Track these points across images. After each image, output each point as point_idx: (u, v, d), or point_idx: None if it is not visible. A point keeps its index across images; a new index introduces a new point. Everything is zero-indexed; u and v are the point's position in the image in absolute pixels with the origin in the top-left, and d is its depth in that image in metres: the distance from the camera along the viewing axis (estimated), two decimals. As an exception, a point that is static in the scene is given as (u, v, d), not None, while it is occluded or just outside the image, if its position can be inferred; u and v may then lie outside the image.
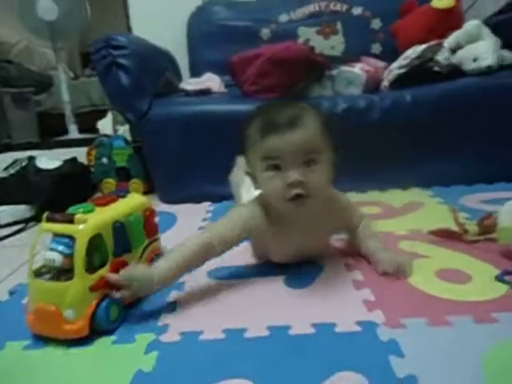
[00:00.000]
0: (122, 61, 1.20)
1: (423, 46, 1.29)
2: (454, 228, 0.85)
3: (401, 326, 0.57)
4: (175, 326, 0.61)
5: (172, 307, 0.67)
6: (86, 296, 0.59)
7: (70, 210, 0.63)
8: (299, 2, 1.74)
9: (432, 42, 1.29)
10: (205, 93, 1.43)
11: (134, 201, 0.72)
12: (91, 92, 2.99)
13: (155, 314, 0.65)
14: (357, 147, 1.19)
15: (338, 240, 0.88)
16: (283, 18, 1.73)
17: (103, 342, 0.59)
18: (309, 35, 1.71)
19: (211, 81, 1.63)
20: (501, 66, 1.22)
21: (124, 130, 1.59)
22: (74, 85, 2.91)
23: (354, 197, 0.82)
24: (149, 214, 0.73)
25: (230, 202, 1.16)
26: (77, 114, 2.63)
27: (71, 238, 0.59)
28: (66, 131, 2.52)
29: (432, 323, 0.57)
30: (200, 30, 1.79)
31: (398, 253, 0.76)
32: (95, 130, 1.99)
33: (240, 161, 1.04)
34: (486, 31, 1.25)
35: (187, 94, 1.37)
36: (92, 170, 1.52)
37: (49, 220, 0.61)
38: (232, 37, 1.73)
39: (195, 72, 1.74)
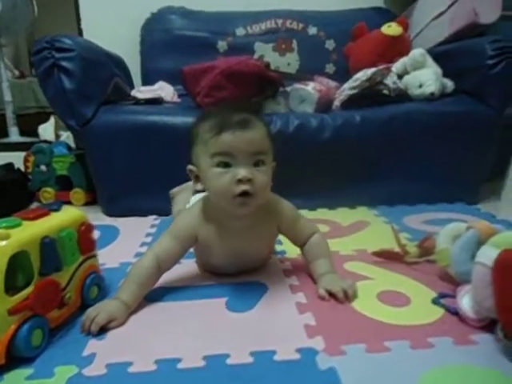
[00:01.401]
0: (66, 64, 1.13)
1: (373, 70, 1.33)
2: (396, 249, 0.87)
3: (340, 352, 0.56)
4: (102, 356, 0.56)
5: (101, 334, 0.62)
6: (2, 320, 0.53)
7: (-8, 225, 0.57)
8: (256, 17, 1.75)
9: (381, 66, 1.33)
10: (156, 101, 1.38)
11: (67, 214, 0.67)
12: (38, 93, 2.82)
13: (81, 341, 0.60)
14: (308, 165, 1.21)
15: (285, 259, 0.87)
16: (240, 31, 1.73)
17: (15, 377, 0.53)
18: (265, 51, 1.72)
19: (164, 90, 1.59)
20: (442, 93, 1.30)
21: (68, 135, 1.50)
22: (19, 84, 2.73)
23: (303, 214, 0.82)
24: (84, 228, 0.67)
25: (177, 216, 1.12)
26: (21, 115, 2.46)
27: (-11, 257, 0.52)
28: (6, 133, 2.35)
29: (371, 349, 0.56)
30: (154, 38, 1.74)
31: (343, 275, 0.76)
32: (37, 135, 1.87)
33: (177, 197, 1.03)
34: (430, 60, 1.32)
35: (137, 101, 1.32)
36: (30, 177, 1.42)
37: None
38: (188, 47, 1.71)
39: (148, 80, 1.69)
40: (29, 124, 2.39)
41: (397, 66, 1.36)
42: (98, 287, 0.71)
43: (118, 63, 1.50)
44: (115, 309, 0.64)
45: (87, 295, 0.68)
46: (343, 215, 1.19)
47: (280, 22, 1.74)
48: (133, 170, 1.20)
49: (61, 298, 0.62)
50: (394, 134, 1.22)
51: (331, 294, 0.70)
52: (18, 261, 0.55)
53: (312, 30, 1.74)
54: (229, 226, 0.72)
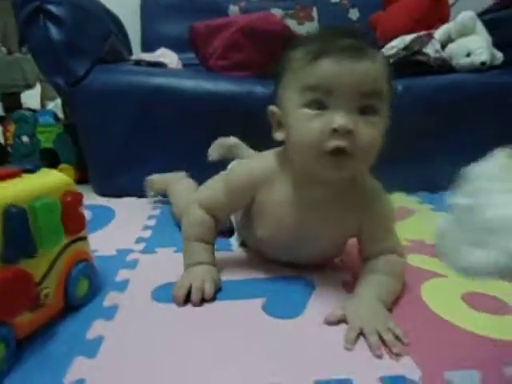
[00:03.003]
0: (53, 9, 0.93)
1: (411, 36, 1.16)
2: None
3: (447, 384, 0.38)
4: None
5: (92, 348, 0.43)
6: None
7: None
8: (274, -21, 1.56)
9: (421, 33, 1.16)
10: (160, 66, 1.19)
11: (46, 178, 0.47)
12: (26, 70, 2.60)
13: (62, 360, 0.41)
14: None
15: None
16: (254, -6, 1.54)
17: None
18: (282, 17, 1.53)
19: (167, 57, 1.39)
20: (490, 64, 1.13)
21: (55, 105, 1.30)
22: (7, 61, 2.52)
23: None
24: (70, 199, 0.48)
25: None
26: (8, 93, 2.25)
27: None
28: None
29: (488, 379, 0.39)
30: (157, 0, 1.55)
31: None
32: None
33: (174, 188, 0.85)
34: (480, 25, 1.14)
35: (138, 63, 1.12)
36: (9, 150, 1.22)
37: None
38: (194, 11, 1.52)
39: (147, 47, 1.50)
40: (16, 100, 2.19)
41: (439, 33, 1.18)
42: (88, 281, 0.52)
43: (115, 22, 1.30)
44: (215, 273, 0.55)
45: (73, 292, 0.49)
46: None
47: (300, -14, 1.55)
48: (132, 141, 1.00)
49: (34, 295, 0.43)
50: (440, 107, 1.04)
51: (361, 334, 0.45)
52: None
53: (335, -2, 1.56)
54: (303, 193, 0.53)
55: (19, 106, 1.98)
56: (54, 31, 0.93)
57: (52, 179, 0.48)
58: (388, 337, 0.42)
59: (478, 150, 1.11)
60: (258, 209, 0.56)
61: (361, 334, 0.44)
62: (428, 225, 0.82)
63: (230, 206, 0.59)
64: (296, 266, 0.60)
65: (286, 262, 0.61)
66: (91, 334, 0.45)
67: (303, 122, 0.46)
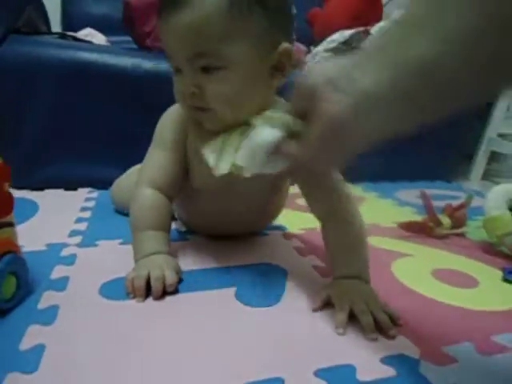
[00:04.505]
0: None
1: (351, 31, 1.19)
2: (419, 220, 0.71)
3: (448, 359, 0.36)
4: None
5: (28, 363, 0.33)
6: None
7: None
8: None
9: (360, 29, 1.19)
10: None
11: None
12: None
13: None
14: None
15: (290, 235, 0.65)
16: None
17: None
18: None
19: (94, 38, 1.26)
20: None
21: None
22: None
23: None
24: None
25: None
26: None
27: None
28: None
29: (481, 349, 0.38)
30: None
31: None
32: None
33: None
34: (411, 24, 1.21)
35: (62, 36, 0.99)
36: None
37: None
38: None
39: (69, 27, 1.34)
40: None
41: (375, 30, 1.23)
42: (15, 278, 0.41)
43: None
44: (175, 263, 0.48)
45: (-2, 291, 0.38)
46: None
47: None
48: (55, 124, 0.87)
49: None
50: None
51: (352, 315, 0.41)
52: None
53: (271, -8, 1.55)
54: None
55: None
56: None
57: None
58: (382, 317, 0.39)
59: (413, 146, 1.15)
60: (190, 157, 0.51)
61: (351, 315, 0.40)
62: (379, 211, 0.85)
63: (176, 165, 0.51)
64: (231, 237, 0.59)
65: (222, 230, 0.59)
66: (26, 345, 0.35)
67: (174, 85, 0.46)
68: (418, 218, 0.74)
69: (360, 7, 1.29)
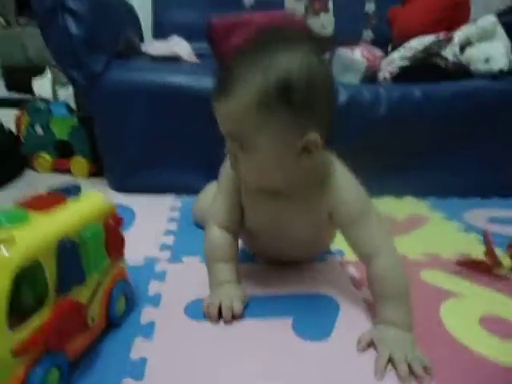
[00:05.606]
0: (72, 4, 0.91)
1: (430, 38, 1.15)
2: (480, 257, 0.72)
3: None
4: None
5: (138, 370, 0.45)
6: (4, 365, 0.36)
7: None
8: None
9: (440, 35, 1.15)
10: (173, 60, 1.17)
11: (90, 203, 0.49)
12: (27, 44, 2.51)
13: (110, 380, 0.44)
14: (354, 145, 1.03)
15: (347, 262, 0.72)
16: (269, -16, 1.50)
17: None
18: (296, 8, 1.50)
19: (179, 46, 1.38)
20: (509, 70, 1.12)
21: (67, 94, 1.28)
22: (5, 34, 2.42)
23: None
24: (113, 223, 0.50)
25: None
26: (7, 66, 2.19)
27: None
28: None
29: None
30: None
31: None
32: (28, 91, 1.63)
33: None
34: (501, 30, 1.13)
35: (153, 58, 1.11)
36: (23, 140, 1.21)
37: None
38: (208, -1, 1.48)
39: (159, 33, 1.47)
40: (16, 79, 2.13)
41: (458, 35, 1.17)
42: (125, 298, 0.54)
43: (128, 10, 1.27)
44: (241, 291, 0.58)
45: (113, 311, 0.51)
46: (392, 206, 1.03)
47: (316, -24, 1.51)
48: (149, 137, 1.01)
49: (84, 321, 0.45)
50: (457, 114, 1.05)
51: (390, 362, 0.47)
52: (26, 277, 0.38)
53: (351, -11, 1.53)
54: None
55: (26, 88, 1.93)
56: (73, 27, 0.91)
57: (96, 205, 0.49)
58: (417, 367, 0.45)
59: (492, 158, 1.13)
60: (244, 203, 0.60)
61: (389, 361, 0.47)
62: (442, 236, 0.86)
63: (236, 207, 0.60)
64: (290, 263, 0.67)
65: (279, 258, 0.67)
66: (134, 355, 0.48)
67: None
68: (502, 253, 0.72)
69: (444, 9, 1.23)
